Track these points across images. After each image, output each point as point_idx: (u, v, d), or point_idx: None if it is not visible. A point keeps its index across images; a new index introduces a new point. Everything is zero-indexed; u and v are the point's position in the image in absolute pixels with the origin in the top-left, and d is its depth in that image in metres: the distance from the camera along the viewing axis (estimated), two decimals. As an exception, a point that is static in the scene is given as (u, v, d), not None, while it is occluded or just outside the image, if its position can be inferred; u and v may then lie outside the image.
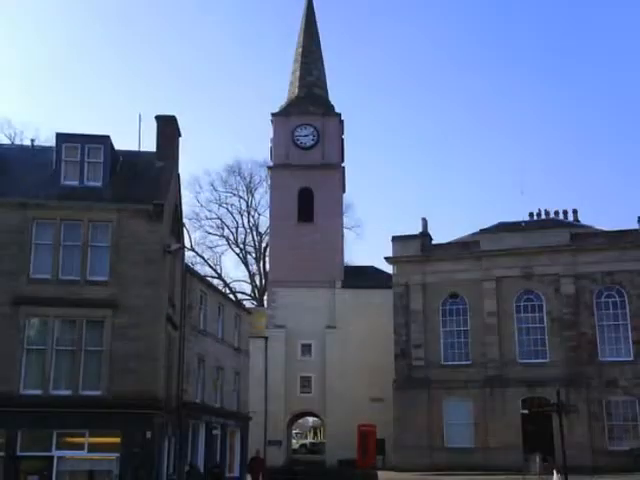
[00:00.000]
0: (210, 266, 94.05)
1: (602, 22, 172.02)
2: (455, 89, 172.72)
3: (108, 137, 35.54)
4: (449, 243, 62.11)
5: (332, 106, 76.81)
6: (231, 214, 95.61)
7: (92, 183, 34.61)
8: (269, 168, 76.34)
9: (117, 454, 31.24)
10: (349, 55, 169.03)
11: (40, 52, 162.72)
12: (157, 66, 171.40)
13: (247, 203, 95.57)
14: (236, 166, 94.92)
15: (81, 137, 35.33)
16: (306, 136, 73.64)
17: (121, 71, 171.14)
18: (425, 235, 62.05)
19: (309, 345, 68.96)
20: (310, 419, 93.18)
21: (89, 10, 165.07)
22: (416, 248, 60.80)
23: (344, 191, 76.10)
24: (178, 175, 39.10)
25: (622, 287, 55.13)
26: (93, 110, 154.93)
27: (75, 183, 34.49)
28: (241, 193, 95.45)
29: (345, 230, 79.33)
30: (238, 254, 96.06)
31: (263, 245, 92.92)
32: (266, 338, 68.25)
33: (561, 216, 63.63)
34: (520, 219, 62.45)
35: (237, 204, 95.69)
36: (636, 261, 54.91)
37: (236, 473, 48.90)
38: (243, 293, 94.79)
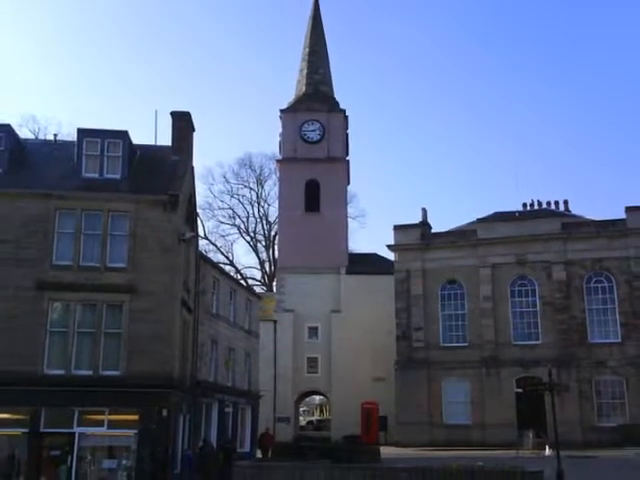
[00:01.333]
0: (222, 253, 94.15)
1: (592, 23, 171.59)
2: (454, 85, 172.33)
3: (126, 132, 35.47)
4: (447, 232, 62.17)
5: (337, 103, 76.73)
6: (242, 204, 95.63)
7: (111, 175, 34.55)
8: (278, 161, 76.33)
9: (135, 430, 31.24)
10: (353, 54, 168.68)
11: (61, 51, 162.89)
12: (171, 66, 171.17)
13: (257, 194, 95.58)
14: (247, 159, 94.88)
15: (101, 132, 35.19)
16: (313, 131, 73.64)
17: (139, 70, 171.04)
18: (425, 224, 62.14)
19: (315, 328, 69.10)
20: (316, 397, 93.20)
21: (104, 11, 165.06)
22: (416, 236, 60.89)
23: (348, 183, 76.05)
24: (192, 168, 39.06)
25: (610, 273, 55.27)
26: (111, 106, 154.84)
27: (95, 175, 34.45)
28: (251, 185, 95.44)
29: (349, 219, 79.23)
30: (249, 242, 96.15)
31: (272, 234, 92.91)
32: (275, 321, 68.38)
33: (553, 206, 63.64)
34: (514, 209, 62.51)
35: (248, 195, 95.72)
36: (624, 248, 55.06)
37: (247, 448, 48.92)
38: (253, 279, 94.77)
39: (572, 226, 58.01)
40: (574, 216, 61.75)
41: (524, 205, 63.72)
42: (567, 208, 63.75)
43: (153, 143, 38.10)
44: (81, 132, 35.13)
